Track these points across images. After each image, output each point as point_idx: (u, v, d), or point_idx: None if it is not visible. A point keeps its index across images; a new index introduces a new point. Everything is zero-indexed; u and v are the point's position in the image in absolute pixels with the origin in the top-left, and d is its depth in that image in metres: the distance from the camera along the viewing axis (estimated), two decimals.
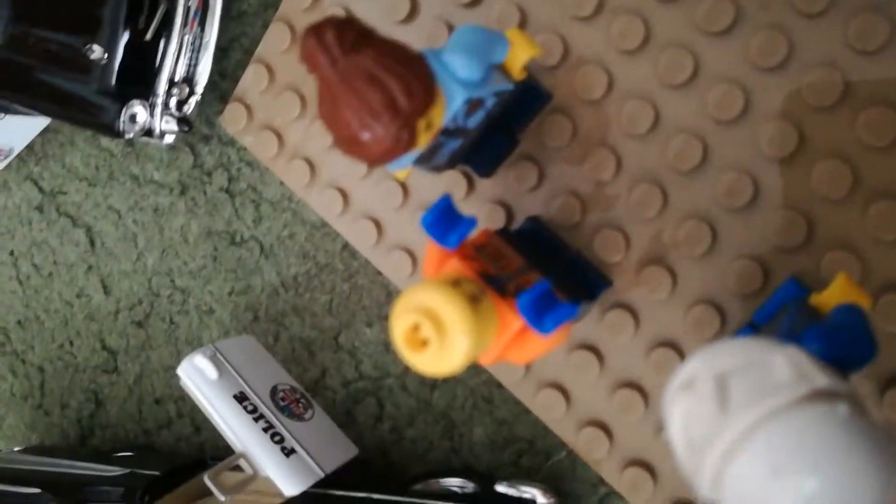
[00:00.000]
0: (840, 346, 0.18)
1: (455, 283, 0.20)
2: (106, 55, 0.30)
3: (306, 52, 0.19)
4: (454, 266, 0.21)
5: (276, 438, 0.28)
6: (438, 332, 0.19)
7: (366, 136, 0.19)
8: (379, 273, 0.31)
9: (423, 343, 0.19)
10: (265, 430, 0.28)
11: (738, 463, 0.15)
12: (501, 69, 0.23)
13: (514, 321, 0.20)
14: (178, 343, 0.36)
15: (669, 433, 0.16)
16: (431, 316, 0.19)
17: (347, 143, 0.19)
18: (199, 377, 0.28)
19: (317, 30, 0.19)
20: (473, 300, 0.19)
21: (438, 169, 0.25)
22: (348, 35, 0.19)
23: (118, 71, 0.31)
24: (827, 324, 0.19)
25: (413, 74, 0.19)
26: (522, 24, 0.27)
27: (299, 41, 0.31)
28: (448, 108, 0.21)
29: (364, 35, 0.19)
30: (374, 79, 0.18)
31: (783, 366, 0.15)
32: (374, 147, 0.19)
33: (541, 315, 0.19)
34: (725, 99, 0.24)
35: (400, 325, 0.19)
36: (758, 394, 0.15)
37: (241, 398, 0.28)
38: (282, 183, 0.33)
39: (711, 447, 0.15)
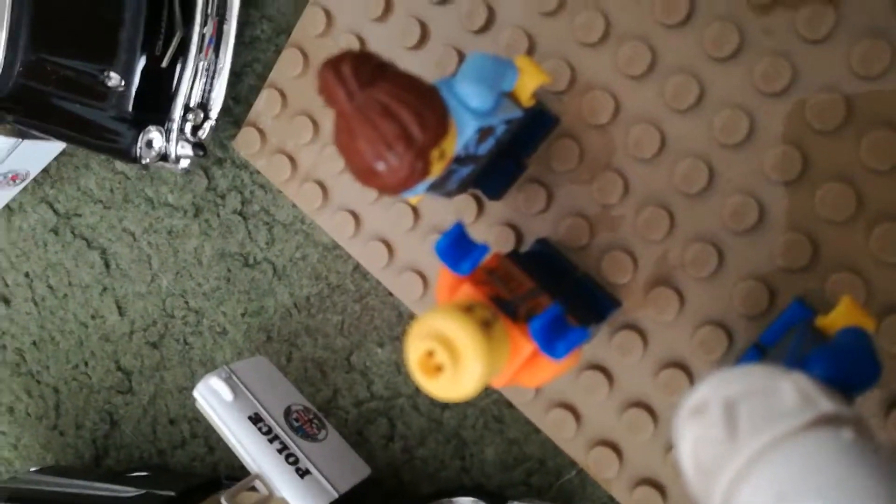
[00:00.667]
0: (845, 368, 0.18)
1: (468, 309, 0.20)
2: (123, 82, 0.31)
3: (324, 86, 0.20)
4: (467, 291, 0.22)
5: (291, 459, 0.28)
6: (452, 359, 0.19)
7: (381, 166, 0.19)
8: (390, 294, 0.31)
9: (438, 369, 0.19)
10: (280, 451, 0.28)
11: (745, 489, 0.15)
12: (511, 96, 0.24)
13: (526, 345, 0.21)
14: (192, 364, 0.36)
15: (679, 457, 0.17)
16: (445, 342, 0.19)
17: (363, 174, 0.20)
18: (214, 399, 0.29)
19: (334, 63, 0.19)
20: (486, 326, 0.20)
21: (450, 194, 0.25)
22: (365, 69, 0.19)
23: (134, 97, 0.31)
24: (832, 347, 0.20)
25: (427, 107, 0.20)
26: (530, 51, 0.28)
27: (312, 67, 0.32)
28: (460, 137, 0.21)
29: (380, 68, 0.20)
30: (389, 111, 0.19)
31: (790, 392, 0.16)
32: (390, 177, 0.20)
33: (553, 340, 0.20)
34: (730, 123, 0.25)
35: (414, 351, 0.19)
36: (765, 420, 0.15)
37: (255, 419, 0.29)
38: (294, 205, 0.33)
39: (720, 473, 0.16)
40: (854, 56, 0.23)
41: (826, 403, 0.16)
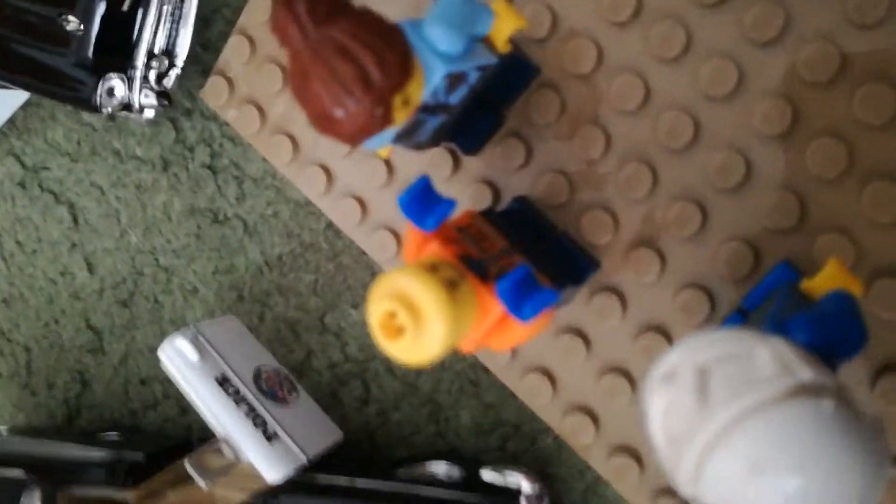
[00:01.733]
0: (828, 334, 0.17)
1: (433, 269, 0.19)
2: (82, 26, 0.29)
3: (277, 24, 0.18)
4: (434, 249, 0.20)
5: (259, 422, 0.27)
6: (414, 320, 0.18)
7: (338, 112, 0.18)
8: (364, 253, 0.30)
9: (400, 331, 0.18)
10: (247, 414, 0.27)
11: (717, 459, 0.14)
12: (485, 42, 0.22)
13: (494, 307, 0.20)
14: (163, 323, 0.35)
15: (648, 426, 0.16)
16: (407, 303, 0.18)
17: (320, 120, 0.19)
18: (179, 359, 0.28)
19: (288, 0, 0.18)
20: (451, 286, 0.19)
21: (421, 147, 0.24)
22: (321, 5, 0.18)
23: (95, 43, 0.30)
24: (815, 311, 0.19)
25: (388, 47, 0.18)
26: None
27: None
28: (427, 83, 0.20)
29: (338, 5, 0.18)
30: (346, 51, 0.18)
31: (767, 359, 0.15)
32: (348, 124, 0.18)
33: (520, 301, 0.19)
34: (718, 74, 0.23)
35: (375, 312, 0.18)
36: (739, 388, 0.14)
37: (222, 381, 0.28)
38: (265, 159, 0.32)
39: (691, 442, 0.15)
40: (850, 3, 0.22)
41: (805, 371, 0.15)
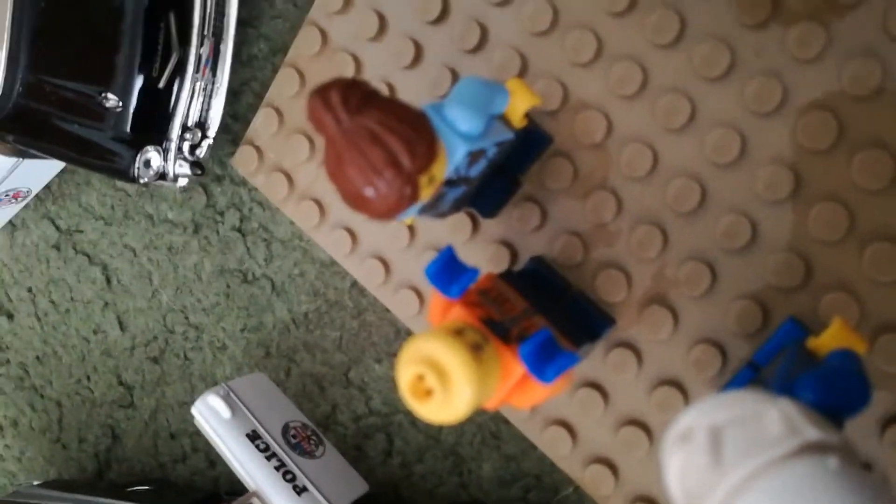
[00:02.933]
0: (834, 393, 0.18)
1: (458, 333, 0.20)
2: (120, 103, 0.31)
3: (313, 113, 0.20)
4: (458, 313, 0.22)
5: (288, 477, 0.28)
6: (442, 383, 0.19)
7: (370, 192, 0.20)
8: (387, 310, 0.32)
9: (428, 392, 0.19)
10: (277, 468, 0.28)
11: None
12: (502, 119, 0.24)
13: (517, 368, 0.21)
14: (193, 379, 0.37)
15: (666, 483, 0.17)
16: (435, 367, 0.19)
17: (353, 200, 0.20)
18: (212, 416, 0.29)
19: (322, 91, 0.20)
20: (476, 349, 0.20)
21: (443, 215, 0.25)
22: (353, 96, 0.20)
23: (133, 118, 0.32)
24: (821, 371, 0.20)
25: (415, 132, 0.20)
26: (523, 70, 0.28)
27: (308, 86, 0.32)
28: (450, 162, 0.21)
29: (369, 95, 0.20)
30: (378, 138, 0.19)
31: (775, 420, 0.16)
32: (379, 203, 0.20)
33: (542, 364, 0.20)
34: (722, 142, 0.25)
35: (405, 375, 0.20)
36: (750, 448, 0.16)
37: (253, 437, 0.29)
38: (292, 223, 0.33)
39: (707, 499, 0.16)
40: (845, 75, 0.23)
41: (811, 431, 0.16)
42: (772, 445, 0.15)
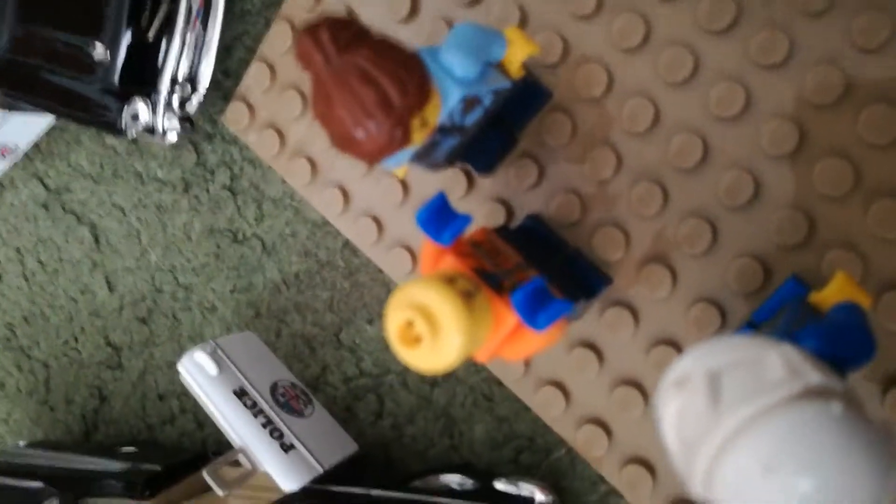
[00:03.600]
0: (838, 344, 0.17)
1: (449, 280, 0.20)
2: (109, 54, 0.30)
3: (301, 51, 0.19)
4: (449, 262, 0.21)
5: (276, 434, 0.28)
6: (431, 329, 0.19)
7: (359, 133, 0.19)
8: (380, 270, 0.31)
9: (417, 339, 0.19)
10: (264, 425, 0.28)
11: (729, 462, 0.15)
12: (499, 67, 0.23)
13: (509, 317, 0.20)
14: (181, 340, 0.36)
15: (662, 430, 0.16)
16: (424, 312, 0.19)
17: (342, 141, 0.19)
18: (198, 373, 0.29)
19: (312, 29, 0.19)
20: (467, 296, 0.19)
21: (437, 166, 0.25)
22: (343, 34, 0.19)
23: (121, 70, 0.31)
24: (825, 322, 0.19)
25: (407, 72, 0.19)
26: (523, 23, 0.27)
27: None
28: (443, 106, 0.21)
29: (359, 34, 0.19)
30: (368, 77, 0.18)
31: (776, 363, 0.15)
32: (368, 144, 0.19)
33: (535, 311, 0.19)
34: (726, 96, 0.24)
35: (393, 321, 0.19)
36: (750, 391, 0.15)
37: (240, 394, 0.29)
38: (283, 181, 0.33)
39: (703, 445, 0.15)
40: (853, 28, 0.23)
41: (814, 375, 0.15)
42: (773, 389, 0.15)
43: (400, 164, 0.22)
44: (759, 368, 0.15)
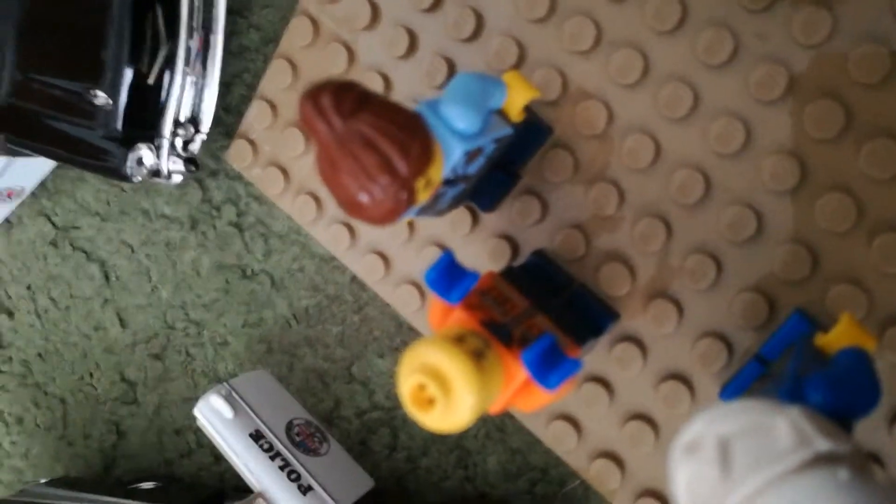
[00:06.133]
0: (843, 395, 0.18)
1: (459, 339, 0.20)
2: (110, 101, 0.30)
3: (304, 118, 0.19)
4: (458, 317, 0.21)
5: (293, 476, 0.28)
6: (444, 392, 0.19)
7: (364, 199, 0.19)
8: (388, 304, 0.31)
9: (431, 402, 0.19)
10: (282, 467, 0.28)
11: None
12: (500, 113, 0.23)
13: (520, 373, 0.20)
14: (195, 375, 0.36)
15: (675, 493, 0.16)
16: (436, 376, 0.19)
17: (348, 206, 0.20)
18: (215, 417, 0.29)
19: (314, 94, 0.19)
20: (478, 356, 0.20)
21: (442, 213, 0.25)
22: (346, 99, 0.19)
23: (124, 115, 0.31)
24: (831, 372, 0.19)
25: (410, 136, 0.19)
26: (520, 59, 0.27)
27: (301, 78, 0.31)
28: (447, 162, 0.21)
29: (362, 98, 0.19)
30: (371, 143, 0.19)
31: (785, 430, 0.15)
32: (374, 210, 0.19)
33: (546, 372, 0.20)
34: (726, 132, 0.24)
35: (406, 385, 0.19)
36: (760, 460, 0.15)
37: (257, 436, 0.29)
38: (289, 217, 0.33)
39: None
40: (852, 62, 0.23)
41: (822, 442, 0.15)
42: (781, 458, 0.15)
43: (406, 217, 0.22)
44: (769, 436, 0.16)
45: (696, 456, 0.16)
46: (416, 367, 0.19)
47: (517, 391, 0.21)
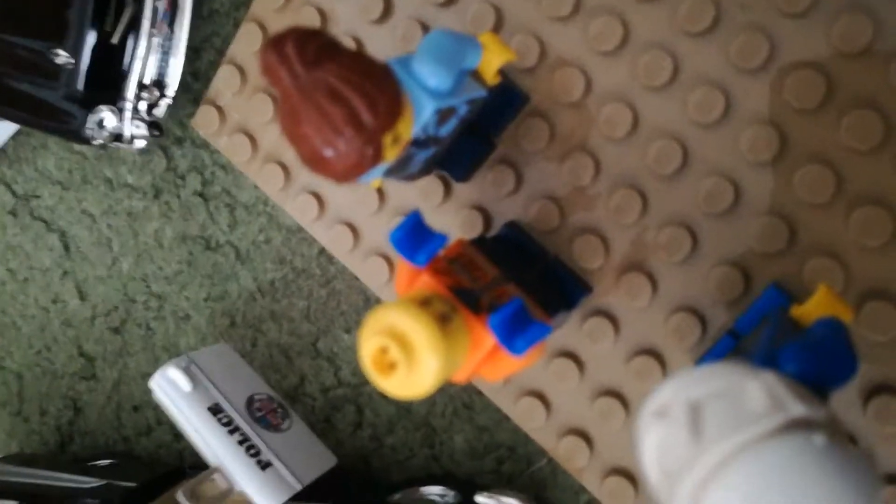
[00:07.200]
0: (819, 364, 0.17)
1: (425, 303, 0.19)
2: (72, 60, 0.29)
3: (266, 65, 0.18)
4: (425, 282, 0.20)
5: (252, 451, 0.27)
6: (406, 355, 0.18)
7: (328, 153, 0.18)
8: (356, 278, 0.30)
9: (392, 366, 0.18)
10: (240, 442, 0.27)
11: (711, 494, 0.14)
12: (474, 75, 0.22)
13: (487, 339, 0.20)
14: (156, 349, 0.35)
15: (642, 459, 0.16)
16: (399, 338, 0.18)
17: (311, 160, 0.19)
18: (172, 389, 0.28)
19: (277, 42, 0.18)
20: (443, 319, 0.19)
21: (412, 178, 0.24)
22: (310, 47, 0.18)
23: (86, 76, 0.30)
24: (806, 341, 0.19)
25: (377, 88, 0.18)
26: (498, 25, 0.26)
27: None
28: (417, 120, 0.20)
29: (327, 47, 0.18)
30: (336, 94, 0.18)
31: (758, 394, 0.15)
32: (338, 164, 0.18)
33: (513, 335, 0.19)
34: (706, 101, 0.24)
35: (367, 348, 0.18)
36: (732, 424, 0.15)
37: (215, 410, 0.28)
38: (256, 186, 0.32)
39: (685, 478, 0.15)
40: (835, 31, 0.22)
41: (796, 407, 0.15)
42: (755, 421, 0.14)
43: (373, 178, 0.22)
44: (741, 399, 0.15)
45: (666, 420, 0.15)
46: (379, 328, 0.18)
47: (484, 359, 0.20)
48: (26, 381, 0.39)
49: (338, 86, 0.18)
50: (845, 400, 0.23)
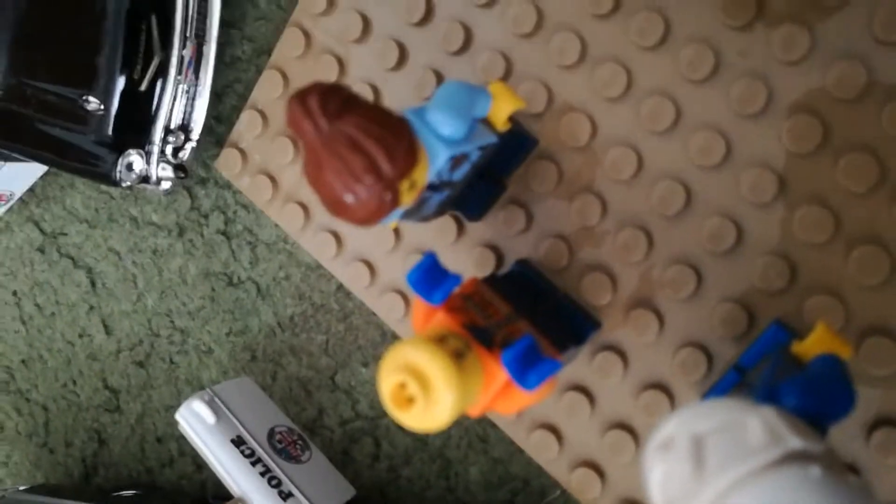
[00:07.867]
0: (817, 399, 0.18)
1: (440, 340, 0.20)
2: (102, 106, 0.31)
3: (292, 119, 0.20)
4: (440, 320, 0.21)
5: (274, 482, 0.28)
6: (424, 391, 0.19)
7: (350, 199, 0.19)
8: (373, 313, 0.31)
9: (410, 401, 0.19)
10: (262, 474, 0.28)
11: None
12: (485, 122, 0.24)
13: (500, 374, 0.21)
14: (179, 383, 0.36)
15: (649, 491, 0.17)
16: (417, 374, 0.19)
17: (333, 206, 0.20)
18: (196, 422, 0.29)
19: (302, 96, 0.19)
20: (458, 356, 0.20)
21: (427, 219, 0.25)
22: (333, 101, 0.19)
23: (115, 121, 0.31)
24: (805, 377, 0.20)
25: (394, 138, 0.20)
26: (507, 72, 0.28)
27: (292, 89, 0.32)
28: (432, 166, 0.21)
29: (348, 101, 0.20)
30: (356, 144, 0.19)
31: (757, 429, 0.16)
32: (359, 210, 0.20)
33: (525, 371, 0.20)
34: (707, 145, 0.25)
35: (386, 384, 0.19)
36: (732, 457, 0.15)
37: (238, 442, 0.29)
38: (277, 225, 0.33)
39: None
40: (830, 78, 0.23)
41: (794, 440, 0.15)
42: (754, 454, 0.15)
43: (391, 220, 0.23)
44: (741, 433, 0.16)
45: (670, 454, 0.16)
46: (397, 365, 0.19)
47: (497, 394, 0.21)
48: (52, 414, 0.40)
49: (358, 137, 0.19)
50: (848, 432, 0.24)
